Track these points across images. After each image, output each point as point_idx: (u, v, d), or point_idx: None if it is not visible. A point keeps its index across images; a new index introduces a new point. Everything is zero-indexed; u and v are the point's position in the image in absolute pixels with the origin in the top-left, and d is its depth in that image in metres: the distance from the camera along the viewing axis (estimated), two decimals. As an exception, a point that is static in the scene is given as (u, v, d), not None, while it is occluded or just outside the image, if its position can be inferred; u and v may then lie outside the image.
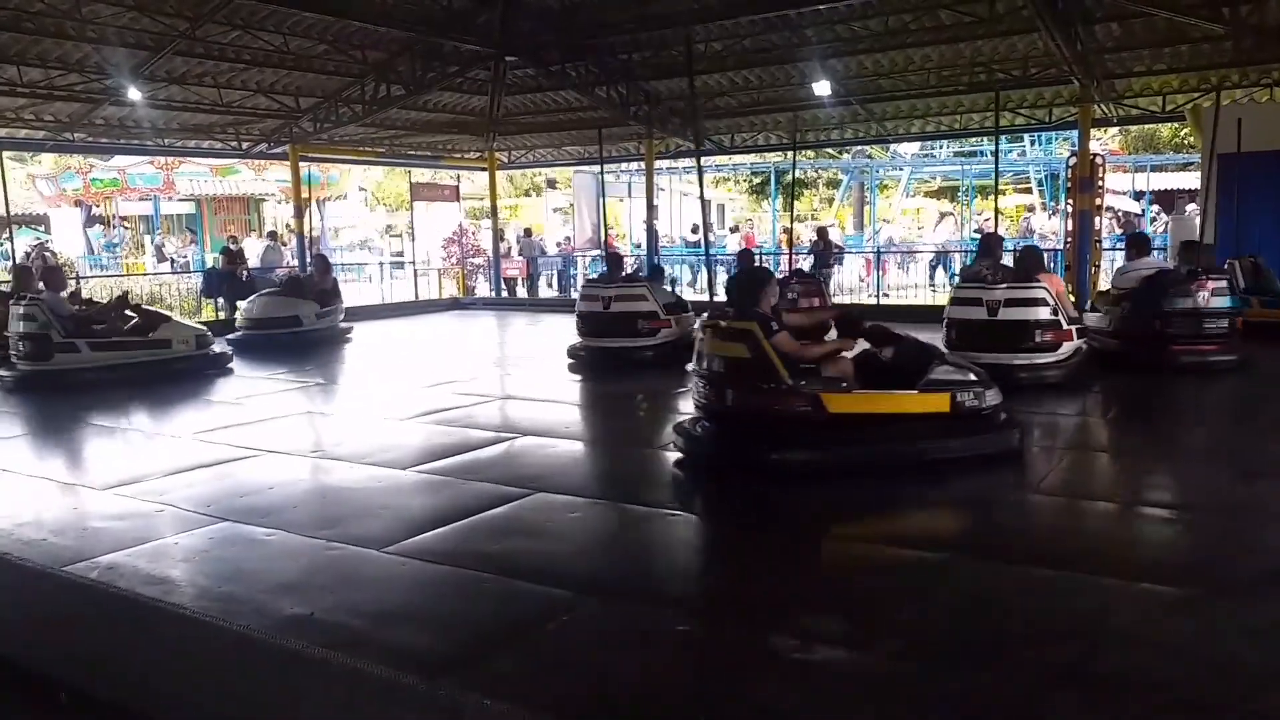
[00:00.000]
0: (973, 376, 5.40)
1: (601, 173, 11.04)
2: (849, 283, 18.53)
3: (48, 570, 3.72)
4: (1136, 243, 9.35)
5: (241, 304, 12.26)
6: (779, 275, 10.06)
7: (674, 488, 5.21)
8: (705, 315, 5.70)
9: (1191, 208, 21.82)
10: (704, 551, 4.45)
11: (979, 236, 14.02)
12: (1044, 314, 7.41)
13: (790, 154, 24.64)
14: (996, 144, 9.69)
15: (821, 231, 17.52)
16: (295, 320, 11.50)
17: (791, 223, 13.09)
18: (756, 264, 10.72)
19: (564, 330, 13.05)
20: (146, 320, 9.34)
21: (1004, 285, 7.59)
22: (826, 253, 16.24)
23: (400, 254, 24.78)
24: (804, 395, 5.07)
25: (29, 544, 4.20)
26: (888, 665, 2.96)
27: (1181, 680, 2.82)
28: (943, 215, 25.75)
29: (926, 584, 3.67)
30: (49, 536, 4.33)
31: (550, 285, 21.84)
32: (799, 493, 4.93)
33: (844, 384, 5.22)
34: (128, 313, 9.33)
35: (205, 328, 10.02)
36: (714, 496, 5.15)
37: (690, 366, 5.46)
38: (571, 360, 9.62)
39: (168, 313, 10.41)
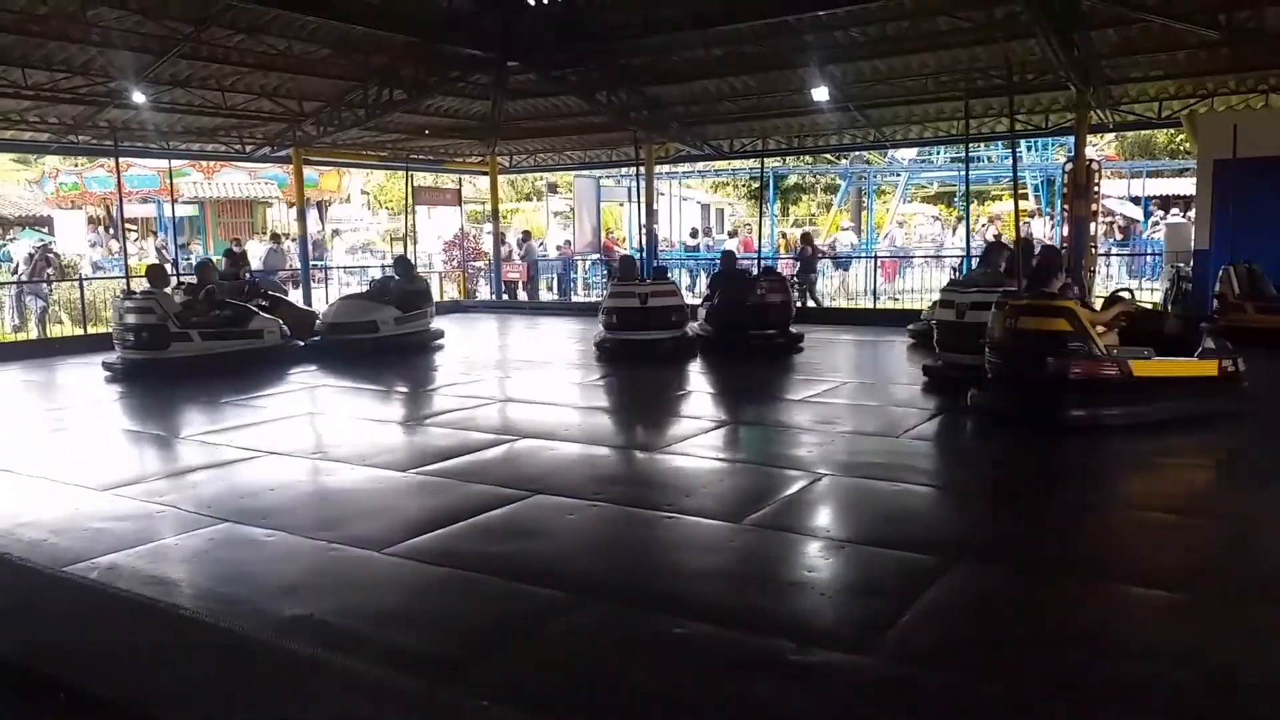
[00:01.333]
0: (1229, 346, 6.38)
1: (638, 176, 11.42)
2: (859, 285, 18.84)
3: (48, 570, 3.75)
4: (995, 248, 10.32)
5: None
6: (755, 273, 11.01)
7: (674, 488, 5.24)
8: (998, 296, 6.69)
9: (1175, 212, 22.18)
10: (694, 551, 4.46)
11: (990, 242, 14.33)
12: None
13: (788, 159, 24.92)
14: (1014, 148, 9.73)
15: (806, 237, 18.38)
16: (372, 326, 11.08)
17: (760, 228, 13.61)
18: (737, 265, 11.55)
19: (564, 333, 13.12)
20: (241, 313, 10.26)
21: (975, 290, 7.78)
22: (813, 259, 17.01)
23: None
24: (1115, 361, 5.98)
25: (29, 544, 4.22)
26: (887, 667, 2.98)
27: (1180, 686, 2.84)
28: (959, 220, 25.77)
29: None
30: (49, 536, 4.36)
31: (550, 289, 21.88)
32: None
33: (1146, 352, 6.08)
34: (219, 308, 10.17)
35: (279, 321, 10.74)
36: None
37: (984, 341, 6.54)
38: (599, 352, 10.29)
39: (254, 308, 10.81)
